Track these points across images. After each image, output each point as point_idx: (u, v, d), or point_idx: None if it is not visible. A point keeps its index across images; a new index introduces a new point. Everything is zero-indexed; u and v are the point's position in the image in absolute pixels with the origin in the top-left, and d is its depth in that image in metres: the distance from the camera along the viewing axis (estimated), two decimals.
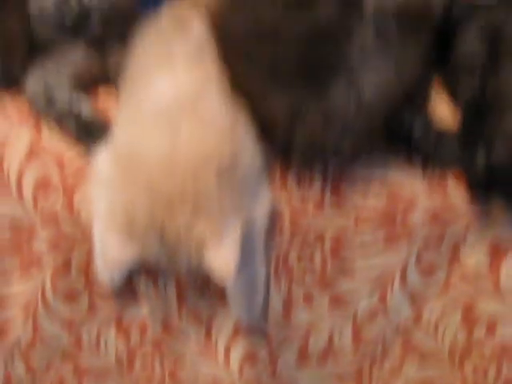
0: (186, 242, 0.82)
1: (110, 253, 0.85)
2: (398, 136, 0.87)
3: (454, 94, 0.94)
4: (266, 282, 0.96)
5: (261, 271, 0.94)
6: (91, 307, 1.02)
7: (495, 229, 0.94)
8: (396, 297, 0.99)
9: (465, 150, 0.89)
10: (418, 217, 0.93)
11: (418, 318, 1.01)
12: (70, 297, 1.01)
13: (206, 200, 0.81)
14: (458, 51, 0.93)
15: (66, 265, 0.99)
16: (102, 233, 0.88)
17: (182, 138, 0.82)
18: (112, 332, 1.04)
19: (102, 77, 1.00)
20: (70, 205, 0.96)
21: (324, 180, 0.93)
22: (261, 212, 0.90)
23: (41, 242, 0.98)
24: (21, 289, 1.01)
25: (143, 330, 1.03)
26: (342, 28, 0.80)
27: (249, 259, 0.89)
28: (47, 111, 0.95)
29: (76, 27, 0.96)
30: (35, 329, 1.03)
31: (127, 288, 1.01)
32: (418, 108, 0.89)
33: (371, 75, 0.80)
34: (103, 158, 0.90)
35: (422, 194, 0.92)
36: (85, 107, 0.95)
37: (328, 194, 0.93)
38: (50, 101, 0.94)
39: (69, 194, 0.95)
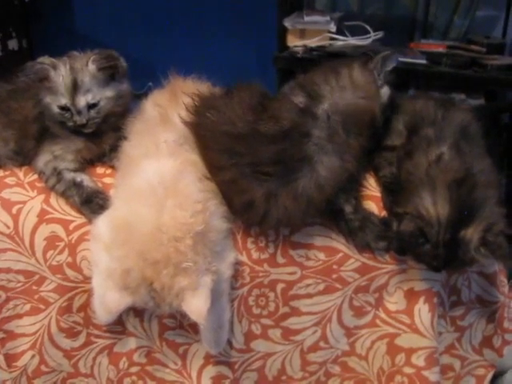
0: (169, 293, 1.05)
1: (108, 302, 1.08)
2: (333, 210, 1.13)
3: (377, 173, 1.20)
4: (231, 320, 1.20)
5: (227, 311, 1.18)
6: (88, 341, 1.25)
7: (409, 280, 1.20)
8: (334, 331, 1.24)
9: (385, 220, 1.15)
10: (349, 271, 1.19)
11: (352, 348, 1.26)
12: (71, 332, 1.24)
13: (185, 261, 1.05)
14: (385, 136, 1.19)
15: (69, 306, 1.22)
16: (102, 284, 1.12)
17: (166, 212, 1.06)
18: (105, 361, 1.27)
19: (99, 158, 1.24)
20: (73, 259, 1.19)
21: (276, 245, 1.19)
22: (227, 264, 1.14)
23: (48, 288, 1.20)
24: (30, 324, 1.23)
25: (130, 359, 1.26)
26: (302, 130, 1.06)
27: (217, 301, 1.13)
28: (56, 187, 1.18)
29: (75, 130, 1.19)
30: (41, 358, 1.25)
31: (118, 325, 1.24)
32: (351, 191, 1.14)
33: (325, 162, 1.06)
34: (102, 224, 1.13)
35: (352, 255, 1.18)
36: (86, 181, 1.18)
37: (279, 256, 1.19)
38: (58, 180, 1.18)
39: (73, 250, 1.19)
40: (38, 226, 1.19)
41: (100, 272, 1.13)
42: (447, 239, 1.06)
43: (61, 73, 1.14)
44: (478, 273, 1.23)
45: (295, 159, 1.05)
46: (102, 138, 1.21)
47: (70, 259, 1.19)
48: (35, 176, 1.22)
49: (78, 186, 1.17)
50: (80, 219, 1.19)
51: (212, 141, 1.11)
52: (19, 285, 1.21)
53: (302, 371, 1.28)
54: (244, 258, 1.18)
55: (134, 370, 1.26)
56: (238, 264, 1.18)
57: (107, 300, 1.08)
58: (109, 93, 1.16)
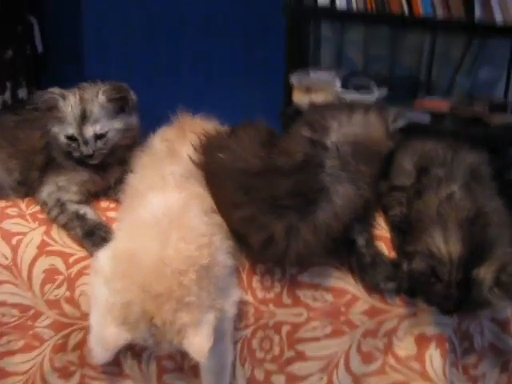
0: (170, 329, 1.01)
1: (106, 337, 1.03)
2: (346, 242, 1.10)
3: (387, 213, 1.18)
4: (233, 363, 1.15)
5: (229, 353, 1.13)
6: (82, 382, 1.18)
7: (420, 325, 1.15)
8: (341, 379, 1.18)
9: (395, 261, 1.12)
10: (357, 313, 1.14)
11: None
12: (65, 372, 1.18)
13: (188, 296, 1.01)
14: (394, 176, 1.18)
15: (64, 344, 1.17)
16: (100, 320, 1.07)
17: (170, 245, 1.03)
18: None
19: (103, 191, 1.22)
20: (72, 294, 1.15)
21: (282, 285, 1.15)
22: (231, 302, 1.10)
23: (44, 324, 1.16)
24: (22, 362, 1.17)
25: None
26: (315, 161, 1.05)
27: (220, 342, 1.08)
28: (58, 218, 1.16)
29: (81, 160, 1.18)
30: None
31: (114, 366, 1.18)
32: (365, 222, 1.12)
33: (340, 191, 1.04)
34: (104, 257, 1.10)
35: (360, 297, 1.14)
36: (89, 213, 1.16)
37: (285, 296, 1.14)
38: (61, 211, 1.15)
39: (72, 284, 1.15)
40: (38, 257, 1.15)
41: (99, 307, 1.09)
42: (460, 278, 1.03)
43: (70, 102, 1.14)
44: (491, 319, 1.19)
45: (312, 190, 1.04)
46: (108, 170, 1.20)
47: (68, 294, 1.15)
48: (37, 208, 1.20)
49: (80, 218, 1.15)
50: (81, 252, 1.16)
51: (225, 179, 1.10)
52: (13, 319, 1.16)
53: None
54: (249, 298, 1.14)
55: None
56: (242, 303, 1.13)
57: (105, 336, 1.04)
58: (117, 124, 1.16)
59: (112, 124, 1.15)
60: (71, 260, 1.15)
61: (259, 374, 1.18)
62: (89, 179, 1.18)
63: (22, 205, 1.21)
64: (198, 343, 1.01)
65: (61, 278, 1.15)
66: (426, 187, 1.12)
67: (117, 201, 1.19)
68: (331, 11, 2.40)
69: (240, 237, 1.09)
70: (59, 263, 1.15)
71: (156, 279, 1.02)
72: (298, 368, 1.18)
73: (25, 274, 1.15)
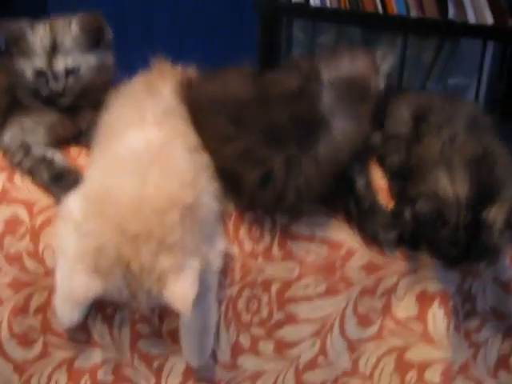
0: (149, 276, 0.89)
1: (76, 288, 0.90)
2: (345, 182, 1.01)
3: (383, 163, 1.10)
4: (217, 325, 1.03)
5: (213, 311, 1.01)
6: (44, 351, 1.05)
7: (421, 281, 1.06)
8: (336, 344, 1.07)
9: (395, 210, 1.03)
10: (354, 268, 1.05)
11: (355, 366, 1.09)
12: (25, 339, 1.04)
13: (170, 237, 0.90)
14: (389, 125, 1.11)
15: (25, 305, 1.03)
16: (68, 270, 0.95)
17: (150, 181, 0.92)
18: (63, 378, 1.06)
19: (73, 137, 1.10)
20: (35, 247, 1.02)
21: (272, 236, 1.04)
22: (216, 252, 0.99)
23: (3, 281, 1.02)
24: None
25: (94, 377, 1.05)
26: (310, 91, 0.97)
27: (203, 298, 0.96)
28: (22, 162, 1.03)
29: (50, 99, 1.06)
30: None
31: (82, 332, 1.05)
32: (364, 162, 1.04)
33: (339, 126, 0.96)
34: (74, 200, 0.98)
35: (358, 250, 1.04)
36: (58, 157, 1.04)
37: (275, 249, 1.04)
38: (26, 154, 1.03)
39: (35, 236, 1.02)
40: None
41: (66, 259, 0.96)
42: (468, 221, 0.95)
43: (39, 33, 1.02)
44: (493, 279, 1.10)
45: (311, 120, 0.95)
46: (80, 113, 1.08)
47: (31, 247, 1.02)
48: None
49: (47, 162, 1.02)
50: (47, 200, 1.03)
51: (213, 112, 0.99)
52: None
53: None
54: (235, 250, 1.03)
55: None
56: (227, 257, 1.02)
57: (74, 286, 0.91)
58: (91, 60, 1.05)
59: (85, 58, 1.04)
60: (36, 209, 1.03)
61: (245, 340, 1.06)
62: (58, 122, 1.06)
63: None
64: (180, 291, 0.89)
65: (23, 228, 1.02)
66: (426, 132, 1.05)
67: (88, 148, 1.07)
68: (305, 9, 2.38)
69: (230, 177, 0.98)
70: (22, 212, 1.02)
71: (134, 218, 0.90)
72: (287, 333, 1.07)
73: None
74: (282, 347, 1.07)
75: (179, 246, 0.90)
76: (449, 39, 2.44)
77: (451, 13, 2.30)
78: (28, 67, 1.03)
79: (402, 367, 1.07)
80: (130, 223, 0.89)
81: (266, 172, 0.94)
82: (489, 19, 2.29)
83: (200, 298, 0.92)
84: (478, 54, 2.44)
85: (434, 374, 1.05)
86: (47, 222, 1.02)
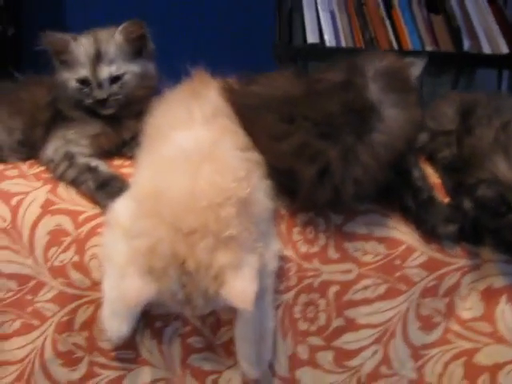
0: (206, 274, 0.84)
1: (128, 292, 0.86)
2: (400, 178, 0.98)
3: (434, 159, 1.07)
4: (274, 332, 0.97)
5: (270, 316, 0.95)
6: (90, 371, 0.98)
7: (485, 277, 1.01)
8: (399, 351, 1.01)
9: (453, 203, 1.00)
10: (414, 267, 1.00)
11: (420, 375, 1.01)
12: (70, 358, 0.98)
13: (227, 231, 0.85)
14: (434, 124, 1.08)
15: (70, 321, 0.97)
16: (117, 277, 0.90)
17: (203, 177, 0.89)
18: None
19: (117, 148, 1.08)
20: (81, 258, 0.98)
21: (327, 237, 1.00)
22: (272, 253, 0.94)
23: (47, 297, 0.97)
24: (18, 347, 0.97)
25: None
26: (358, 82, 0.95)
27: (259, 301, 0.90)
28: (66, 173, 1.01)
29: (94, 109, 1.06)
30: None
31: (129, 350, 0.99)
32: (417, 158, 1.02)
33: (391, 114, 0.93)
34: (121, 205, 0.95)
35: (416, 247, 1.00)
36: (102, 166, 1.02)
37: (331, 250, 1.00)
38: (70, 164, 1.01)
39: (81, 247, 0.98)
40: (42, 217, 0.99)
41: (115, 268, 0.92)
42: None
43: (82, 43, 1.02)
44: None
45: (362, 108, 0.92)
46: (123, 124, 1.07)
47: (76, 258, 0.98)
48: (42, 168, 1.05)
49: (92, 170, 1.00)
50: (92, 210, 1.00)
51: (263, 111, 0.97)
52: (10, 294, 0.98)
53: None
54: (290, 253, 0.99)
55: None
56: (282, 260, 0.97)
57: (126, 290, 0.86)
58: (135, 68, 1.04)
59: (129, 67, 1.04)
60: (81, 218, 0.99)
61: (303, 352, 1.00)
62: (101, 132, 1.05)
63: (24, 167, 1.06)
64: (240, 287, 0.84)
65: (68, 239, 0.98)
66: (476, 125, 1.03)
67: (132, 158, 1.05)
68: (320, 49, 2.41)
69: (285, 175, 0.95)
70: (67, 223, 0.99)
71: (188, 214, 0.86)
72: (347, 341, 1.00)
73: (26, 236, 0.98)
74: (341, 357, 1.00)
75: (236, 241, 0.86)
76: (464, 72, 2.46)
77: (466, 45, 2.34)
78: (72, 77, 1.03)
79: (473, 372, 1.00)
80: (184, 220, 0.86)
81: (324, 166, 0.91)
82: (503, 48, 2.32)
83: (257, 301, 0.87)
84: (493, 83, 2.46)
85: (508, 377, 0.98)
86: (93, 232, 0.98)
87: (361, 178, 0.91)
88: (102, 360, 0.98)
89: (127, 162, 1.06)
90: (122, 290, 0.87)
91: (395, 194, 0.99)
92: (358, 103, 0.93)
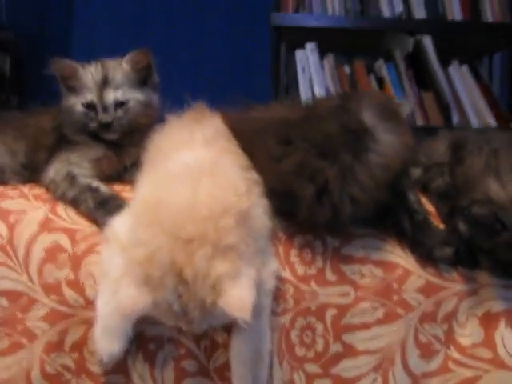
0: (203, 283, 0.83)
1: (124, 301, 0.85)
2: (396, 200, 0.99)
3: (428, 189, 1.09)
4: (271, 355, 0.94)
5: (267, 337, 0.93)
6: None
7: (483, 302, 1.00)
8: (399, 380, 0.97)
9: (448, 226, 1.01)
10: (411, 290, 0.99)
11: None
12: (57, 381, 0.94)
13: (225, 241, 0.85)
14: (426, 159, 1.12)
15: (60, 341, 0.95)
16: (111, 293, 0.89)
17: (203, 190, 0.90)
18: None
19: (118, 174, 1.10)
20: (76, 276, 0.96)
21: (324, 259, 1.00)
22: (269, 272, 0.94)
23: (38, 314, 0.95)
24: (3, 367, 0.94)
25: None
26: (351, 106, 0.99)
27: (256, 320, 0.88)
28: (66, 193, 1.02)
29: (98, 133, 1.09)
30: None
31: (120, 375, 0.95)
32: (412, 183, 1.04)
33: (385, 139, 0.95)
34: (119, 221, 0.95)
35: (413, 271, 1.00)
36: (102, 187, 1.03)
37: (329, 272, 0.99)
38: (71, 184, 1.02)
39: (77, 264, 0.97)
40: (39, 234, 0.99)
41: (110, 282, 0.91)
42: None
43: (90, 70, 1.07)
44: None
45: (358, 128, 0.95)
46: (125, 151, 1.09)
47: (71, 276, 0.97)
48: (42, 190, 1.06)
49: (93, 190, 1.01)
50: (90, 228, 1.00)
51: (262, 133, 1.00)
52: None
53: None
54: (287, 274, 0.98)
55: None
56: (279, 281, 0.97)
57: (121, 299, 0.85)
58: (139, 95, 1.08)
59: (134, 94, 1.08)
60: (78, 236, 0.99)
61: (299, 380, 0.97)
62: (103, 157, 1.07)
63: (25, 189, 1.07)
64: (238, 297, 0.83)
65: (64, 256, 0.98)
66: (467, 155, 1.06)
67: (132, 183, 1.06)
68: None
69: (283, 196, 0.96)
70: (63, 240, 0.99)
71: (187, 223, 0.86)
72: (345, 368, 0.98)
73: (21, 252, 0.97)
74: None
75: (235, 251, 0.86)
76: None
77: (455, 119, 2.43)
78: (78, 102, 1.06)
79: None
80: (183, 228, 0.86)
81: (322, 184, 0.93)
82: (492, 122, 2.40)
83: (254, 319, 0.85)
84: None
85: None
86: (90, 250, 0.98)
87: (359, 197, 0.93)
88: None
89: (127, 187, 1.07)
90: (117, 301, 0.86)
91: (391, 215, 1.00)
92: (354, 124, 0.96)
